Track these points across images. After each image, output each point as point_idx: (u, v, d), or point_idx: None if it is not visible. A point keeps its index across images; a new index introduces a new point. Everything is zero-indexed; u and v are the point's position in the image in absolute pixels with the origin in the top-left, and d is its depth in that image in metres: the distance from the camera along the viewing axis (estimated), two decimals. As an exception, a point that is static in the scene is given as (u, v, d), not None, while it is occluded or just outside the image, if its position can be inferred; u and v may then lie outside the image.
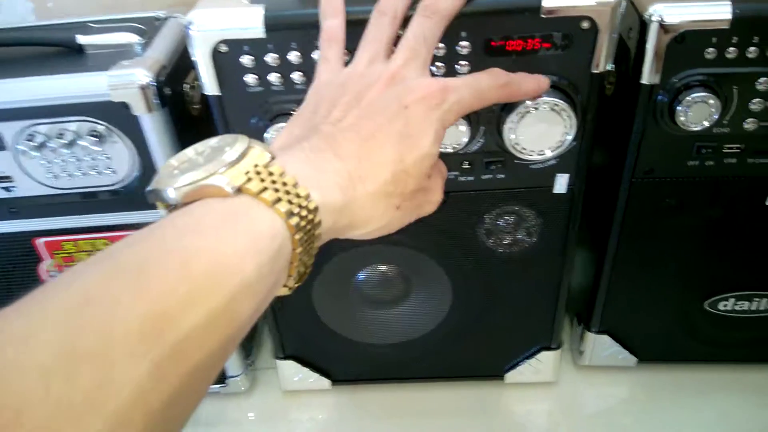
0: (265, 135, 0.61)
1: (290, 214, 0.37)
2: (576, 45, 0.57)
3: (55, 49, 0.70)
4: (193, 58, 0.58)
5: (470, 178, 0.67)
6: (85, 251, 0.73)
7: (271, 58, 0.57)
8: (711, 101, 0.60)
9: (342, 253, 0.75)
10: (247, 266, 0.34)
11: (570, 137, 0.61)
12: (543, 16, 0.55)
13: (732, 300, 0.80)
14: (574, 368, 0.93)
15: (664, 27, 0.58)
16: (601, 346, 0.87)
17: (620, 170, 0.69)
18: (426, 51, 0.49)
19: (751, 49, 0.58)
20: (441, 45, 0.57)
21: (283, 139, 0.47)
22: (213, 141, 0.40)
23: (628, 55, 0.63)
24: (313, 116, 0.47)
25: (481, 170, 0.66)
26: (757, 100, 0.61)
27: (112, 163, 0.67)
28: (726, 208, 0.71)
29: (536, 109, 0.58)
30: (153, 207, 0.38)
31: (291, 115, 0.59)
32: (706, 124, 0.62)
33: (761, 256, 0.75)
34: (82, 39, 0.68)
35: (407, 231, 0.70)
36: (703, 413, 0.87)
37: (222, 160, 0.37)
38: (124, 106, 0.62)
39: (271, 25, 0.56)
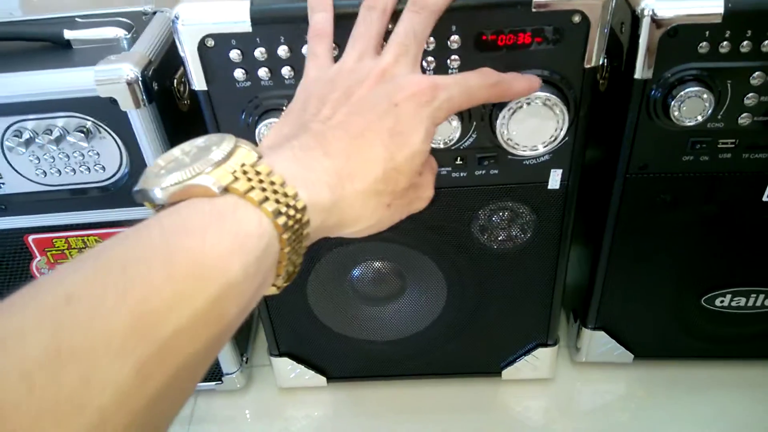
0: (257, 131, 0.60)
1: (278, 213, 0.36)
2: (568, 39, 0.56)
3: (42, 44, 0.69)
4: (180, 53, 0.57)
5: (463, 174, 0.66)
6: (77, 248, 0.73)
7: (259, 52, 0.57)
8: (705, 96, 0.60)
9: (337, 250, 0.75)
10: (233, 266, 0.33)
11: (563, 132, 0.60)
12: (534, 10, 0.55)
13: (729, 296, 0.80)
14: (571, 364, 0.93)
15: (656, 21, 0.57)
16: (597, 342, 0.87)
17: (614, 166, 0.68)
18: (416, 47, 0.48)
19: (745, 43, 0.58)
20: (431, 39, 0.56)
21: (272, 138, 0.46)
22: (200, 140, 0.40)
23: (621, 50, 0.62)
24: (302, 113, 0.47)
25: (474, 166, 0.66)
26: (752, 94, 0.61)
27: (101, 159, 0.66)
28: (721, 204, 0.70)
29: (528, 104, 0.57)
30: (143, 205, 0.38)
31: (281, 110, 0.59)
32: (700, 119, 0.62)
33: (758, 251, 0.75)
34: (68, 34, 0.67)
35: (401, 228, 0.70)
36: (699, 409, 0.87)
37: (209, 159, 0.37)
38: (111, 102, 0.61)
39: (257, 18, 0.55)
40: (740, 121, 0.63)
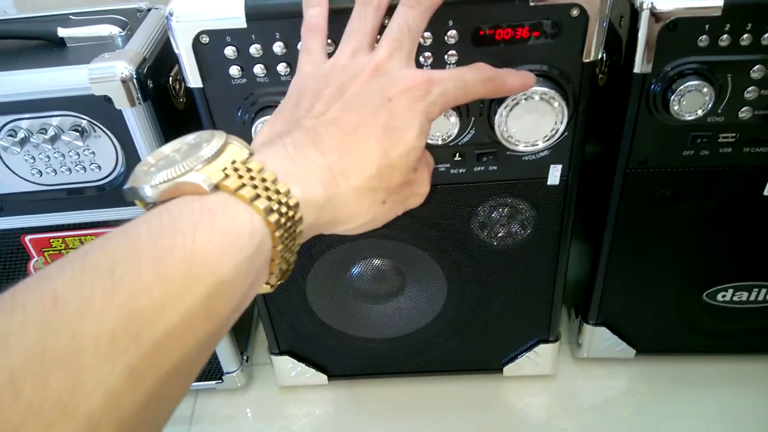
0: (253, 128, 0.60)
1: (269, 210, 0.36)
2: (566, 33, 0.56)
3: (36, 42, 0.69)
4: (175, 50, 0.57)
5: (462, 171, 0.66)
6: (74, 248, 0.73)
7: (254, 49, 0.57)
8: (705, 90, 0.59)
9: (336, 248, 0.75)
10: (224, 265, 0.33)
11: (562, 127, 0.60)
12: (532, 3, 0.54)
13: (730, 291, 0.79)
14: (573, 361, 0.93)
15: (655, 14, 0.57)
16: (599, 338, 0.87)
17: (614, 161, 0.68)
18: (410, 42, 0.48)
19: (745, 36, 0.57)
20: (428, 35, 0.56)
21: (264, 135, 0.46)
22: (190, 137, 0.40)
23: (620, 44, 0.62)
24: (295, 110, 0.46)
25: (473, 162, 0.65)
26: (752, 88, 0.60)
27: (97, 158, 0.66)
28: (722, 198, 0.70)
29: (527, 99, 0.57)
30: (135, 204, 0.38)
31: (277, 107, 0.58)
32: (700, 113, 0.61)
33: (759, 246, 0.75)
34: (62, 32, 0.67)
35: (401, 225, 0.71)
36: (701, 404, 0.86)
37: (199, 156, 0.37)
38: (106, 100, 0.61)
39: (252, 14, 0.55)
40: (741, 115, 0.62)
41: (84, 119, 0.63)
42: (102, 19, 0.70)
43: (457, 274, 0.76)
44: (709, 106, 0.61)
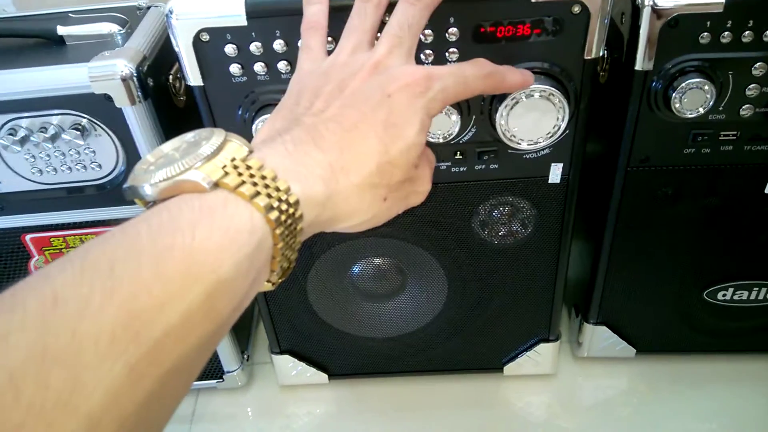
0: (254, 126, 0.60)
1: (269, 208, 0.36)
2: (567, 30, 0.56)
3: (36, 40, 0.69)
4: (175, 48, 0.57)
5: (463, 169, 0.66)
6: (75, 247, 0.72)
7: (254, 46, 0.57)
8: (706, 87, 0.59)
9: (337, 247, 0.75)
10: (224, 263, 0.33)
11: (563, 125, 0.60)
12: (533, 0, 0.54)
13: (731, 290, 0.79)
14: (573, 360, 0.93)
15: (656, 11, 0.57)
16: (599, 337, 0.87)
17: (615, 159, 0.68)
18: (410, 39, 0.48)
19: (746, 33, 0.57)
20: (429, 32, 0.56)
21: (264, 133, 0.46)
22: (189, 135, 0.40)
23: (622, 41, 0.62)
24: (295, 107, 0.46)
25: (473, 160, 0.65)
26: (753, 85, 0.60)
27: (97, 157, 0.66)
28: (723, 197, 0.70)
29: (528, 97, 0.57)
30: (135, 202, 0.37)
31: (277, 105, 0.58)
32: (702, 110, 0.61)
33: (760, 244, 0.74)
34: (62, 30, 0.67)
35: (401, 224, 0.71)
36: (702, 403, 0.86)
37: (198, 154, 0.37)
38: (106, 98, 0.61)
39: (252, 12, 0.55)
40: (742, 112, 0.62)
41: (84, 118, 0.63)
42: (102, 17, 0.70)
43: (458, 272, 0.76)
44: (711, 103, 0.60)
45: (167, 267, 0.31)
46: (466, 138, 0.63)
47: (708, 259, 0.76)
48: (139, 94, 0.61)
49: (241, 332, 0.92)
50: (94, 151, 0.65)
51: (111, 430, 0.27)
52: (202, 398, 0.93)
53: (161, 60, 0.66)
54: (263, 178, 0.37)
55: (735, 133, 0.64)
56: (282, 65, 0.58)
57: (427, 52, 0.57)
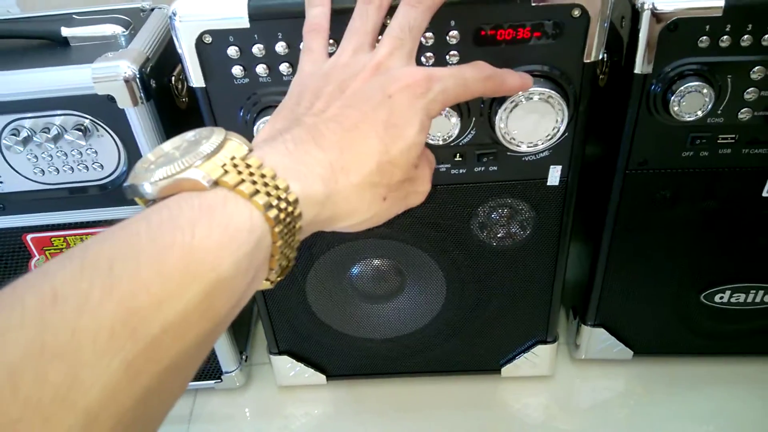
0: (255, 128, 0.60)
1: (269, 206, 0.36)
2: (567, 34, 0.56)
3: (39, 41, 0.69)
4: (178, 50, 0.57)
5: (462, 171, 0.66)
6: (75, 247, 0.73)
7: (257, 49, 0.57)
8: (705, 91, 0.60)
9: (336, 248, 0.75)
10: (223, 261, 0.33)
11: (562, 128, 0.60)
12: (533, 4, 0.54)
13: (728, 292, 0.79)
14: (571, 362, 0.93)
15: (656, 15, 0.57)
16: (596, 339, 0.87)
17: (614, 162, 0.68)
18: (411, 41, 0.48)
19: (745, 37, 0.58)
20: (429, 35, 0.56)
21: (265, 133, 0.46)
22: (189, 134, 0.40)
23: (621, 45, 0.62)
24: (296, 108, 0.46)
25: (473, 163, 0.65)
26: (752, 89, 0.61)
27: (99, 157, 0.66)
28: (721, 200, 0.70)
29: (528, 99, 0.57)
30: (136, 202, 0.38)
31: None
32: (700, 114, 0.61)
33: (757, 247, 0.75)
34: (66, 31, 0.67)
35: (401, 225, 0.71)
36: (699, 405, 0.86)
37: (198, 153, 0.37)
38: (109, 99, 0.61)
39: (255, 14, 0.55)
40: (740, 116, 0.63)
41: (87, 118, 0.63)
42: (105, 19, 0.70)
43: (457, 274, 0.76)
44: (709, 107, 0.61)
45: (166, 265, 0.31)
46: (465, 140, 0.63)
47: (706, 261, 0.77)
48: (142, 95, 0.62)
49: (240, 333, 0.92)
50: (96, 152, 0.66)
51: (108, 426, 0.28)
52: (200, 398, 0.93)
53: (164, 61, 0.66)
54: (263, 176, 0.37)
55: (733, 136, 0.65)
56: (284, 67, 0.58)
57: (428, 54, 0.57)
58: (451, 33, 0.56)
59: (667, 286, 0.79)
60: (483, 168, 0.66)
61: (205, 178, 0.35)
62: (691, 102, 0.60)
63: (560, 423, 0.86)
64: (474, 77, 0.48)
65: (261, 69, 0.58)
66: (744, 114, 0.62)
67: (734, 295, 0.80)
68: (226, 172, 0.36)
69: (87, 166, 0.67)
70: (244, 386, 0.93)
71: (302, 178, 0.39)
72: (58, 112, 0.63)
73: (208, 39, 0.56)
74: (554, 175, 0.67)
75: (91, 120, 0.63)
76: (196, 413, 0.91)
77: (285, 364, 0.88)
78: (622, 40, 0.62)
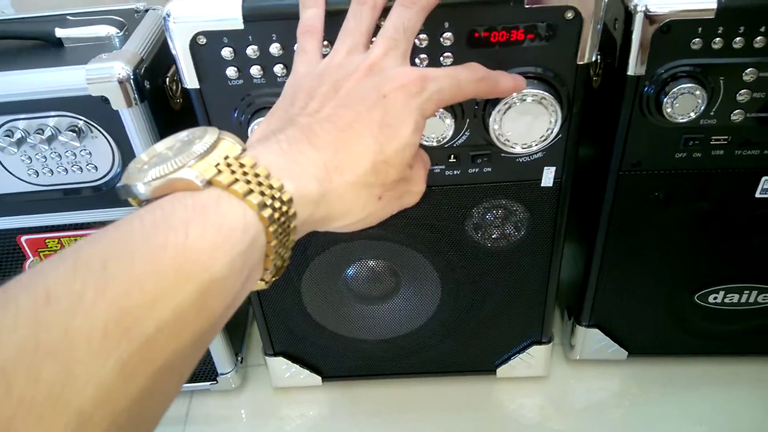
0: (249, 129, 0.60)
1: (263, 206, 0.36)
2: (560, 36, 0.56)
3: (33, 42, 0.69)
4: (172, 51, 0.57)
5: (456, 172, 0.66)
6: (70, 249, 0.73)
7: (251, 50, 0.57)
8: (697, 92, 0.60)
9: (331, 249, 0.75)
10: (217, 261, 0.33)
11: (556, 130, 0.60)
12: (527, 6, 0.55)
13: (722, 293, 0.80)
14: (565, 362, 0.93)
15: (649, 17, 0.57)
16: (591, 339, 0.87)
17: (607, 163, 0.68)
18: (405, 41, 0.48)
19: (738, 39, 0.58)
20: (423, 36, 0.56)
21: (259, 133, 0.46)
22: (183, 134, 0.40)
23: (614, 47, 0.62)
24: (290, 108, 0.46)
25: (467, 164, 0.66)
26: (744, 91, 0.61)
27: (93, 159, 0.66)
28: (714, 201, 0.70)
29: (521, 101, 0.57)
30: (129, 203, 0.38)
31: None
32: (693, 115, 0.62)
33: (750, 248, 0.75)
34: (60, 32, 0.67)
35: (395, 226, 0.71)
36: (693, 406, 0.87)
37: (191, 152, 0.37)
38: (103, 101, 0.61)
39: (249, 15, 0.55)
40: (733, 117, 0.63)
41: (81, 120, 0.63)
42: (99, 20, 0.70)
43: (451, 275, 0.77)
44: (702, 108, 0.61)
45: (160, 265, 0.31)
46: (459, 141, 0.63)
47: (699, 262, 0.77)
48: (136, 96, 0.62)
49: (235, 334, 0.92)
50: (90, 153, 0.66)
51: (103, 426, 0.28)
52: (195, 400, 0.93)
53: (158, 63, 0.66)
54: (256, 176, 0.37)
55: (726, 137, 0.65)
56: (278, 68, 0.58)
57: (422, 56, 0.57)
58: (445, 35, 0.56)
59: (661, 287, 0.80)
60: (477, 169, 0.66)
61: (198, 178, 0.35)
62: (684, 103, 0.60)
63: (555, 423, 0.87)
64: (468, 78, 0.48)
65: (255, 70, 0.58)
66: (737, 115, 0.63)
67: (728, 295, 0.80)
68: (219, 171, 0.36)
69: (81, 168, 0.67)
70: (240, 388, 0.93)
71: (296, 177, 0.39)
72: (52, 113, 0.63)
73: (202, 40, 0.56)
74: (548, 177, 0.67)
75: (85, 121, 0.63)
76: (191, 415, 0.91)
77: (280, 366, 0.88)
78: (616, 42, 0.62)
